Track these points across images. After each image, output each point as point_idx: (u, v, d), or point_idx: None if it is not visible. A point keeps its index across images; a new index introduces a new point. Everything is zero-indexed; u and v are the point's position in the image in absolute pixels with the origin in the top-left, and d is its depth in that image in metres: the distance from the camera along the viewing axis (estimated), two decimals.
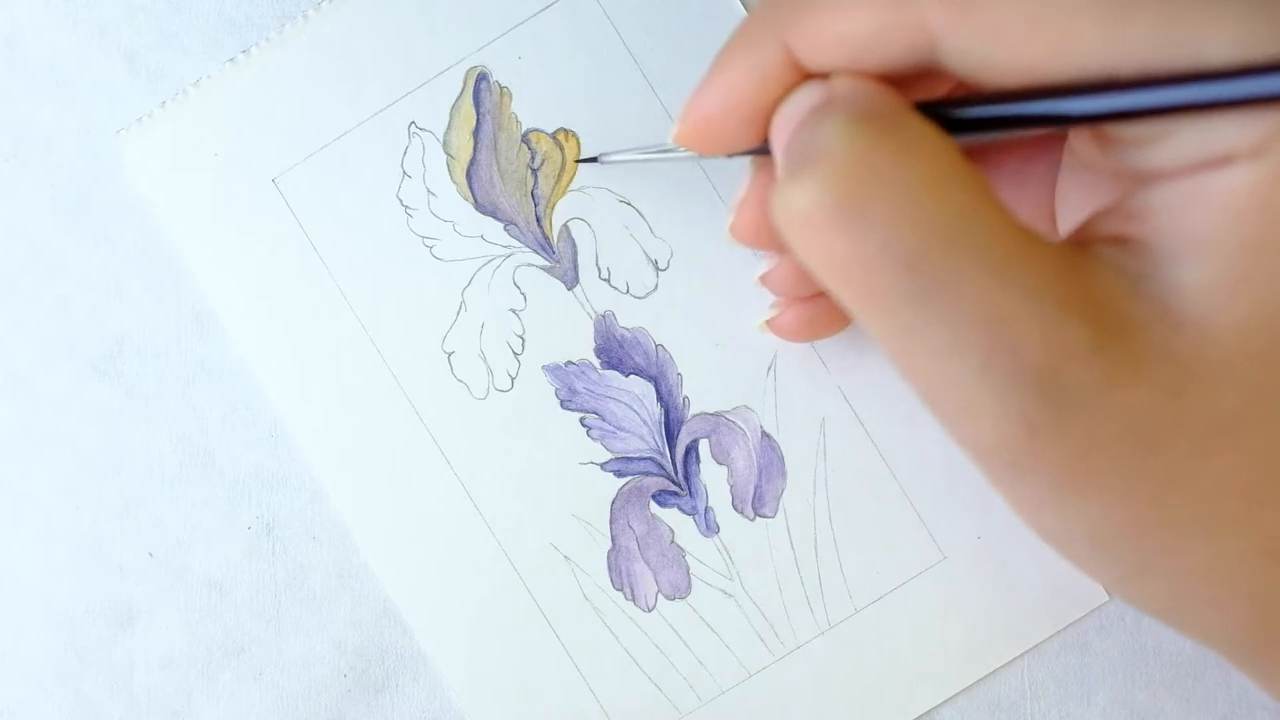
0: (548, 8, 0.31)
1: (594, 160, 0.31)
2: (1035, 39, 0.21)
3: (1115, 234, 0.22)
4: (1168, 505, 0.21)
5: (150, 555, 0.32)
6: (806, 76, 0.24)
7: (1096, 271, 0.21)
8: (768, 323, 0.30)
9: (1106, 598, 0.32)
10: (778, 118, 0.24)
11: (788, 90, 0.24)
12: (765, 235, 0.27)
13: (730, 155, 0.26)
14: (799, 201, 0.21)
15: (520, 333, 0.32)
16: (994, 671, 0.32)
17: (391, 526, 0.32)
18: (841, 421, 0.32)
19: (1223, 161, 0.20)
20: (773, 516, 0.32)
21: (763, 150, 0.26)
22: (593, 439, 0.32)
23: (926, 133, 0.21)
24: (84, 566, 0.32)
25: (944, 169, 0.21)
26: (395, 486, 0.32)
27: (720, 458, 0.32)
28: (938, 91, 0.26)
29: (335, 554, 0.32)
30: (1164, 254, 0.21)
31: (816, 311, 0.30)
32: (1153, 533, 0.22)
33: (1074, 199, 0.27)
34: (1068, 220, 0.27)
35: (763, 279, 0.29)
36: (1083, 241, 0.22)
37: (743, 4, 0.31)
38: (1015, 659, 0.32)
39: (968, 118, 0.23)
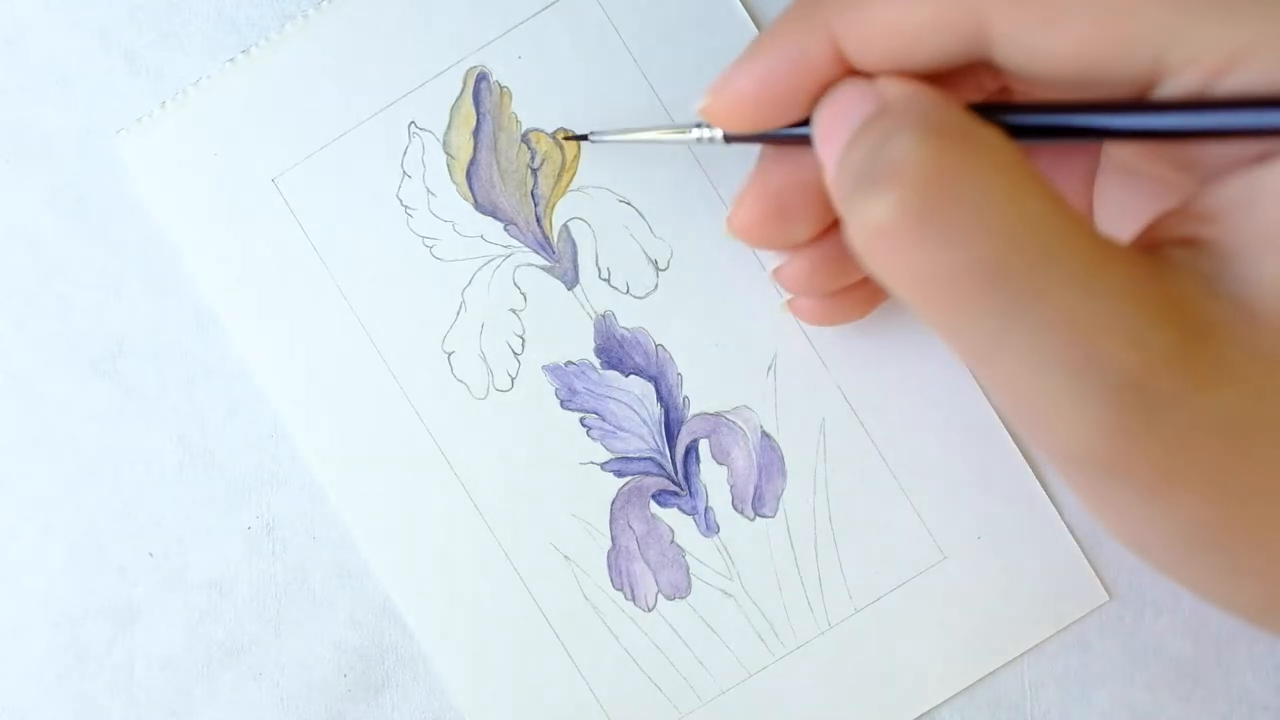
0: (548, 8, 0.31)
1: (584, 138, 0.31)
2: (1095, 30, 0.21)
3: (1185, 236, 0.22)
4: (1259, 505, 0.21)
5: (150, 555, 0.32)
6: (849, 70, 0.24)
7: (1172, 275, 0.21)
8: (788, 304, 0.30)
9: (1106, 598, 0.32)
10: (824, 116, 0.24)
11: (829, 82, 0.24)
12: (763, 233, 0.27)
13: (743, 140, 0.26)
14: (876, 216, 0.20)
15: (520, 333, 0.32)
16: (994, 671, 0.32)
17: (391, 526, 0.32)
18: (841, 421, 0.32)
19: (1276, 151, 0.21)
20: (773, 516, 0.32)
21: (782, 137, 0.25)
22: (593, 439, 0.32)
23: (997, 142, 0.21)
24: (84, 566, 0.32)
25: (1020, 179, 0.21)
26: (395, 486, 0.32)
27: (720, 458, 0.32)
28: (979, 94, 0.26)
29: (335, 554, 0.32)
30: (1237, 253, 0.21)
31: (836, 301, 0.30)
32: (1245, 533, 0.21)
33: (1115, 197, 0.27)
34: (1108, 217, 0.27)
35: (776, 274, 0.29)
36: (1152, 245, 0.22)
37: (743, 4, 0.31)
38: (1015, 659, 0.32)
39: (1021, 125, 0.23)
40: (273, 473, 0.32)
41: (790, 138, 0.25)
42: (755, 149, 0.27)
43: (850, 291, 0.29)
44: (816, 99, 0.24)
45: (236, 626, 0.32)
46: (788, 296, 0.30)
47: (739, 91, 0.24)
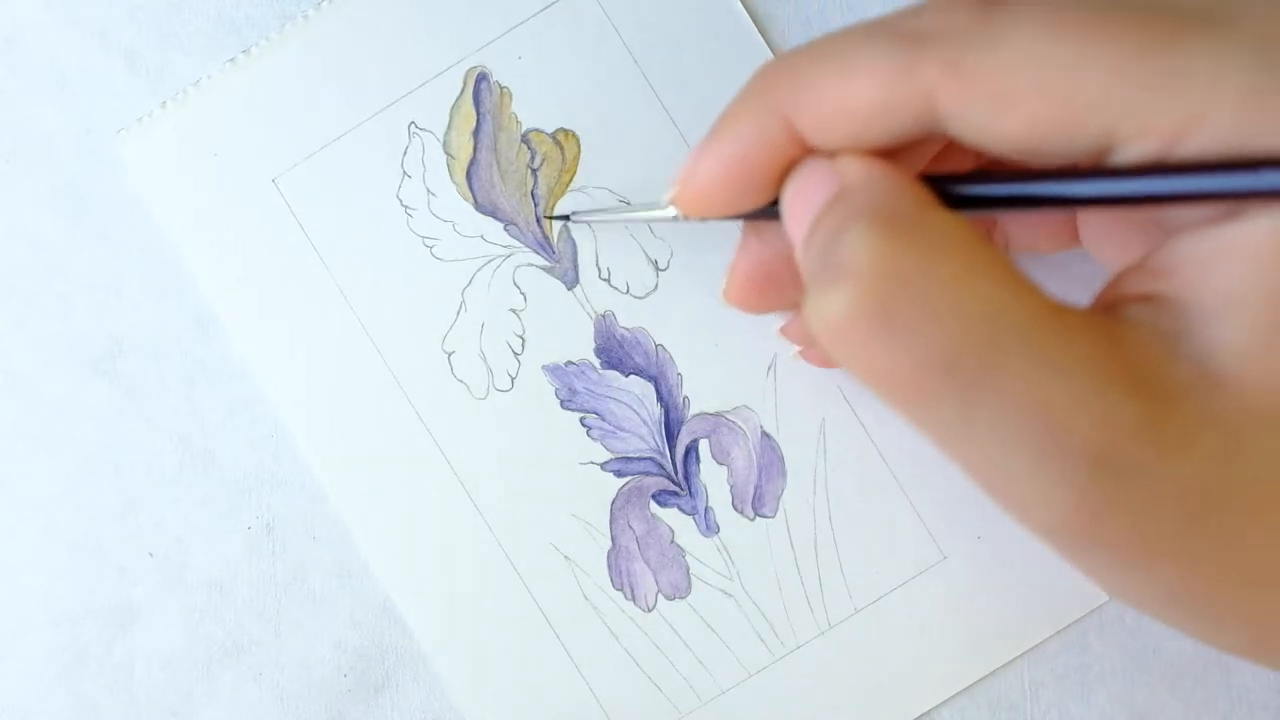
0: (548, 8, 0.31)
1: (565, 219, 0.31)
2: (1042, 107, 0.21)
3: (1144, 293, 0.22)
4: (1232, 564, 0.21)
5: (150, 555, 0.32)
6: (808, 148, 0.24)
7: (1132, 336, 0.21)
8: (800, 353, 0.31)
9: (1107, 598, 0.32)
10: (789, 199, 0.24)
11: (792, 160, 0.24)
12: (759, 298, 0.28)
13: (723, 219, 0.26)
14: (832, 314, 0.21)
15: (520, 333, 0.32)
16: (994, 671, 0.32)
17: (391, 526, 0.32)
18: (841, 421, 0.32)
19: (1238, 212, 0.20)
20: (773, 516, 0.32)
21: (757, 215, 0.26)
22: (593, 439, 0.32)
23: (948, 227, 0.21)
24: (84, 566, 0.32)
25: (970, 264, 0.21)
26: (395, 486, 0.32)
27: (720, 458, 0.32)
28: (937, 158, 0.26)
29: (335, 554, 0.32)
30: (1196, 311, 0.21)
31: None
32: (1221, 593, 0.22)
33: (1100, 221, 0.27)
34: (1094, 243, 0.27)
35: (783, 331, 0.30)
36: (1112, 304, 0.22)
37: (743, 4, 0.31)
38: (1015, 659, 0.32)
39: (981, 196, 0.23)
40: (273, 473, 0.32)
41: (761, 216, 0.26)
42: None
43: None
44: (783, 177, 0.24)
45: (236, 626, 0.32)
46: (796, 350, 0.31)
47: (705, 180, 0.25)
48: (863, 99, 0.22)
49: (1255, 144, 0.20)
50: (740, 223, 0.28)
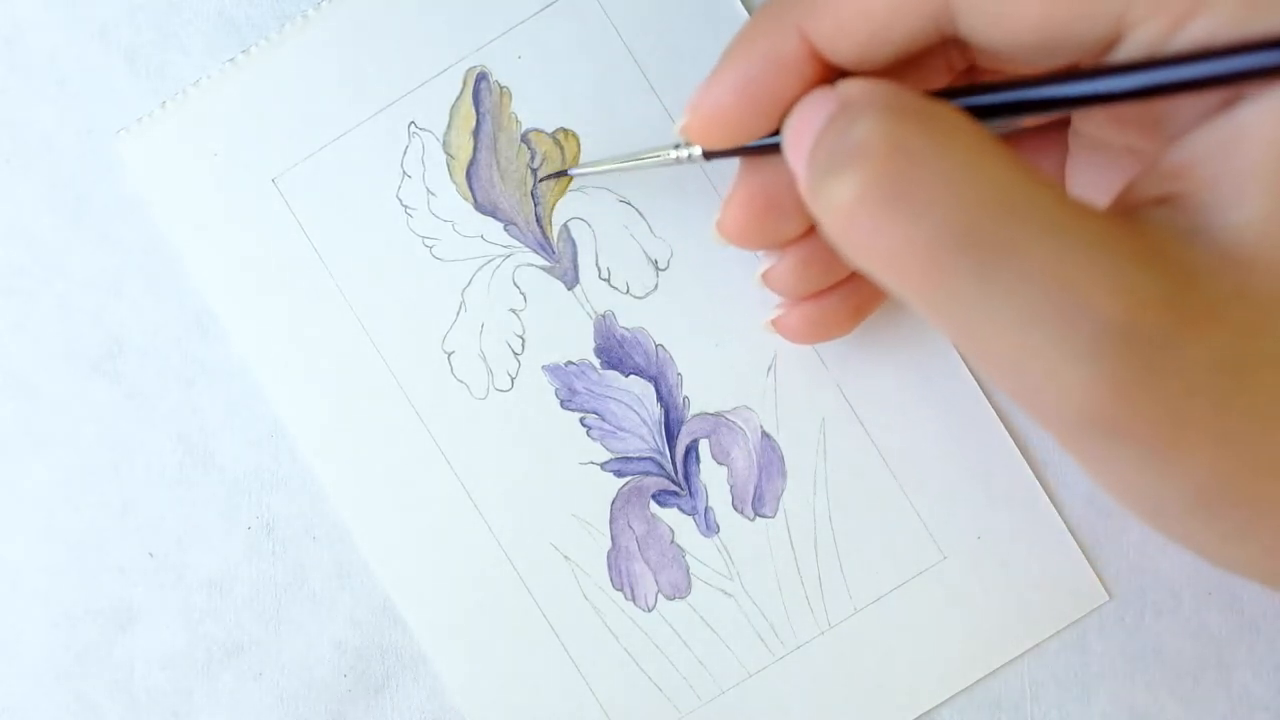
0: (548, 7, 0.31)
1: (563, 175, 0.31)
2: None
3: (1157, 195, 0.22)
4: (1265, 448, 0.21)
5: (150, 555, 0.32)
6: (824, 66, 0.24)
7: (1150, 230, 0.21)
8: (772, 322, 0.30)
9: (1107, 598, 0.32)
10: (792, 125, 0.24)
11: (806, 81, 0.24)
12: (753, 234, 0.27)
13: (721, 156, 0.26)
14: (843, 196, 0.21)
15: (520, 333, 0.32)
16: (994, 671, 0.32)
17: (391, 526, 0.32)
18: (841, 421, 0.32)
19: (1240, 98, 0.21)
20: (773, 516, 0.32)
21: (760, 148, 0.26)
22: (593, 439, 0.32)
23: (956, 117, 0.21)
24: (84, 566, 0.32)
25: (982, 146, 0.21)
26: (395, 486, 0.32)
27: (720, 458, 0.32)
28: (944, 81, 0.27)
29: (335, 554, 0.32)
30: (1211, 202, 0.21)
31: (822, 311, 0.30)
32: (1253, 482, 0.21)
33: (1088, 179, 0.27)
34: (1082, 197, 0.27)
35: (764, 276, 0.29)
36: (1124, 210, 0.22)
37: (743, 3, 0.31)
38: (1015, 659, 0.32)
39: (985, 105, 0.23)
40: (273, 473, 0.32)
41: (768, 148, 0.26)
42: None
43: (833, 303, 0.29)
44: (793, 100, 0.24)
45: (236, 626, 0.32)
46: (773, 314, 0.30)
47: (717, 105, 0.25)
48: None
49: (1252, 30, 0.20)
50: (737, 159, 0.28)
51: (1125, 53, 0.22)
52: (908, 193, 0.20)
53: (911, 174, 0.20)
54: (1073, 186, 0.28)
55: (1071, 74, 0.23)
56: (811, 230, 0.27)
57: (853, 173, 0.21)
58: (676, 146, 0.28)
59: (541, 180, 0.32)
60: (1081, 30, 0.22)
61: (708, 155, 0.27)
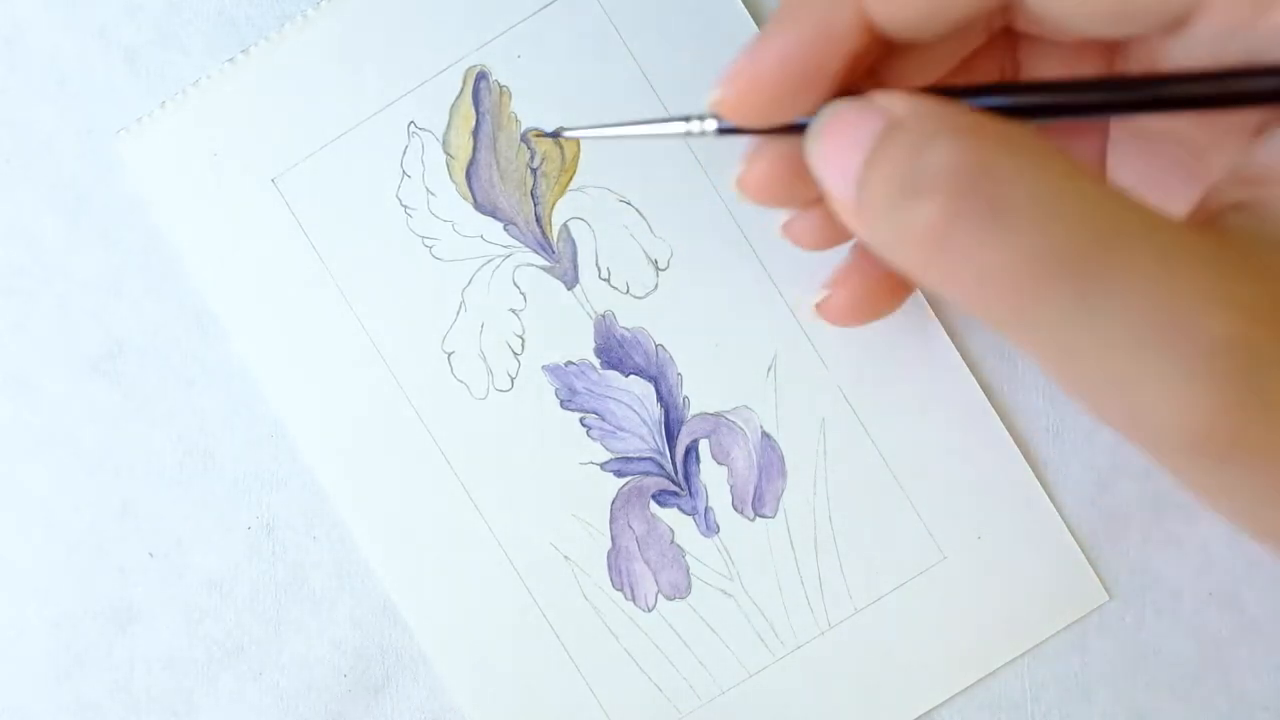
0: (547, 7, 0.31)
1: (555, 135, 0.29)
2: None
3: (1238, 201, 0.21)
4: None
5: (150, 555, 0.32)
6: (875, 40, 0.23)
7: (1235, 241, 0.20)
8: (818, 307, 0.29)
9: (1106, 598, 0.32)
10: (826, 140, 0.23)
11: (854, 56, 0.23)
12: (775, 194, 0.26)
13: (736, 133, 0.25)
14: (928, 220, 0.20)
15: (520, 333, 0.32)
16: (994, 671, 0.32)
17: (391, 526, 0.32)
18: (841, 421, 0.32)
19: None
20: (773, 516, 0.32)
21: (782, 130, 0.24)
22: (593, 439, 0.32)
23: (1035, 137, 0.20)
24: (84, 566, 0.32)
25: (1069, 166, 0.20)
26: (395, 486, 0.32)
27: (720, 458, 0.32)
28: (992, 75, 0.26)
29: (335, 554, 0.32)
30: None
31: (868, 288, 0.28)
32: None
33: (1131, 166, 0.26)
34: (1126, 188, 0.27)
35: (785, 228, 0.28)
36: (1208, 216, 0.22)
37: (743, 4, 0.31)
38: (1015, 659, 0.32)
39: (1041, 105, 0.22)
40: (273, 473, 0.32)
41: (789, 129, 0.24)
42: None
43: (879, 285, 0.29)
44: (841, 79, 0.23)
45: (236, 626, 0.32)
46: (818, 297, 0.29)
47: (758, 77, 0.23)
48: None
49: None
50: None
51: (1197, 38, 0.21)
52: (1002, 214, 0.19)
53: (1005, 195, 0.19)
54: (1113, 172, 0.27)
55: (1122, 81, 0.22)
56: None
57: (938, 196, 0.20)
58: (688, 119, 0.25)
59: (531, 135, 0.31)
60: (1150, 8, 0.21)
61: (722, 132, 0.25)
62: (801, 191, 0.26)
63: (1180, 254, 0.19)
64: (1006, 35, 0.26)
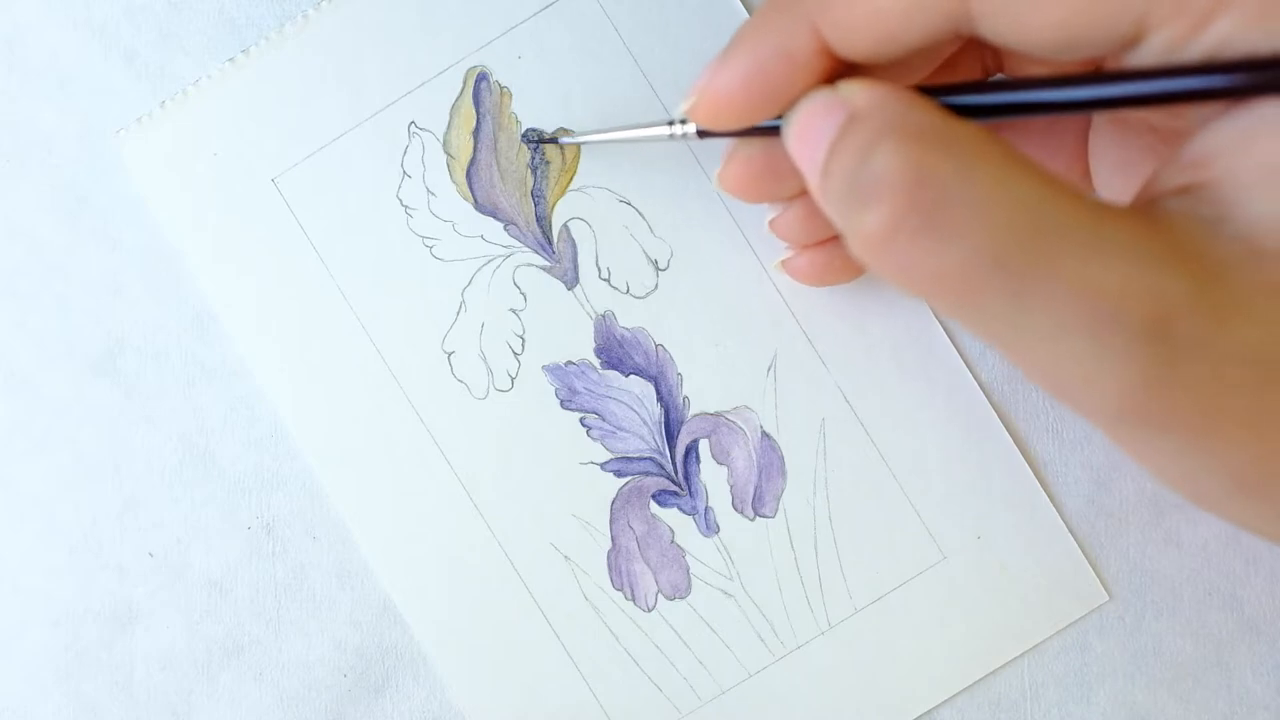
0: (547, 7, 0.31)
1: (553, 141, 0.31)
2: None
3: (1180, 185, 0.22)
4: None
5: (150, 555, 0.32)
6: (835, 60, 0.24)
7: (1174, 225, 0.21)
8: (782, 264, 0.31)
9: (1106, 598, 0.32)
10: (796, 129, 0.24)
11: (815, 74, 0.24)
12: (753, 190, 0.28)
13: (716, 135, 0.26)
14: (873, 227, 0.21)
15: (520, 333, 0.32)
16: (994, 671, 0.32)
17: (391, 526, 0.32)
18: (841, 421, 0.32)
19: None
20: (773, 516, 0.32)
21: (764, 131, 0.26)
22: (593, 439, 0.32)
23: (975, 133, 0.21)
24: (84, 566, 0.32)
25: (1005, 165, 0.21)
26: (395, 486, 0.32)
27: (720, 458, 0.32)
28: (970, 69, 0.27)
29: (335, 554, 0.32)
30: (1235, 191, 0.21)
31: (831, 257, 0.30)
32: None
33: (1110, 153, 0.27)
34: (1105, 172, 0.27)
35: (771, 224, 0.30)
36: (1150, 200, 0.23)
37: (743, 3, 0.31)
38: (1015, 659, 0.32)
39: (1000, 103, 0.23)
40: (273, 473, 0.32)
41: (765, 131, 0.26)
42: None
43: (840, 251, 0.30)
44: (801, 93, 0.24)
45: (236, 626, 0.32)
46: (781, 257, 0.31)
47: (722, 91, 0.25)
48: (895, 1, 0.23)
49: (1273, 31, 0.21)
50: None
51: (1146, 52, 0.22)
52: (938, 220, 0.21)
53: (940, 202, 0.21)
54: (1095, 160, 0.28)
55: (1090, 77, 0.23)
56: None
57: (879, 206, 0.21)
58: (670, 123, 0.27)
59: (529, 142, 0.31)
60: (1103, 31, 0.22)
61: (701, 134, 0.27)
62: (777, 187, 0.28)
63: (1106, 244, 0.20)
64: (975, 44, 0.27)
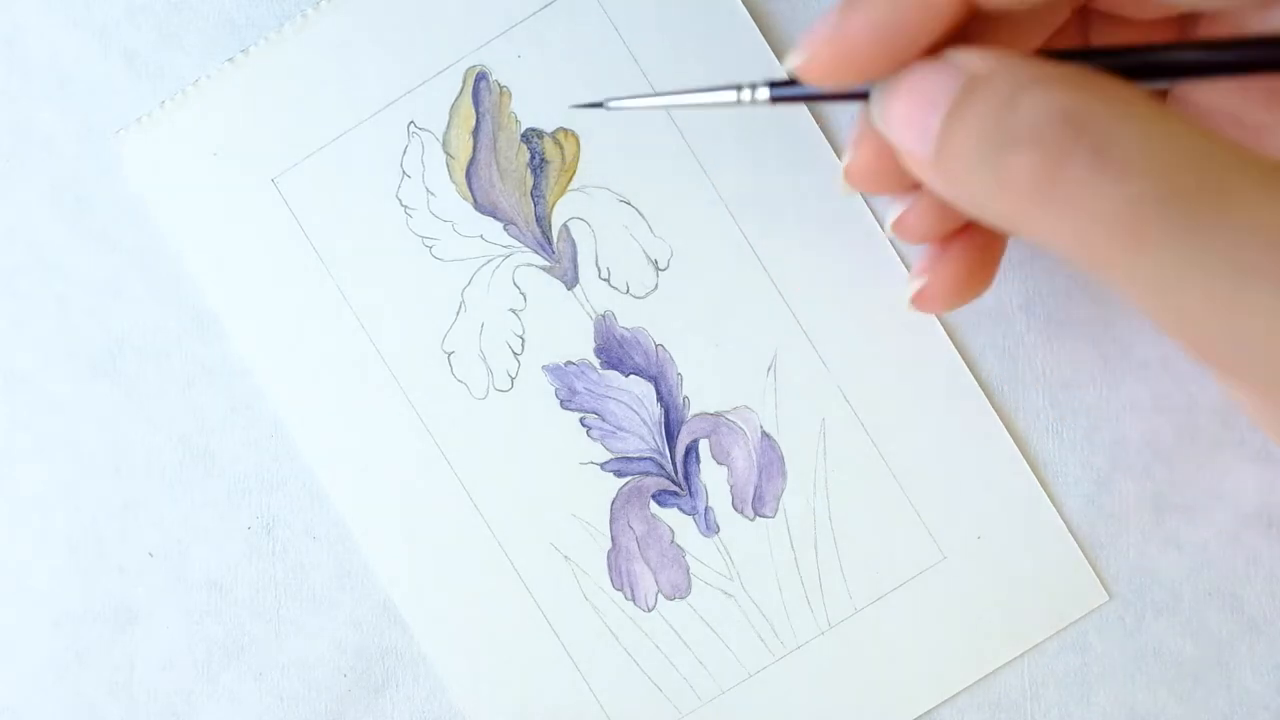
0: (547, 6, 0.31)
1: (599, 105, 0.27)
2: None
3: None
4: None
5: (150, 555, 0.32)
6: (970, 8, 0.23)
7: None
8: (914, 298, 0.29)
9: (1106, 598, 0.32)
10: (902, 102, 0.23)
11: (951, 24, 0.23)
12: (883, 178, 0.26)
13: (791, 101, 0.24)
14: (1032, 171, 0.20)
15: (520, 333, 0.32)
16: (994, 671, 0.32)
17: (391, 526, 0.32)
18: (841, 421, 0.32)
19: None
20: (773, 516, 0.32)
21: (849, 96, 0.24)
22: (593, 439, 0.32)
23: (1125, 86, 0.21)
24: (84, 566, 0.32)
25: (1160, 110, 0.20)
26: (395, 486, 0.32)
27: (720, 458, 0.32)
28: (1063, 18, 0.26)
29: (335, 554, 0.32)
30: None
31: (961, 267, 0.28)
32: None
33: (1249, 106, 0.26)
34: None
35: (895, 225, 0.28)
36: None
37: (743, 3, 0.31)
38: (1015, 659, 0.32)
39: (1124, 65, 0.23)
40: (273, 473, 0.32)
41: (849, 96, 0.24)
42: (776, 125, 0.26)
43: (968, 252, 0.28)
44: (936, 44, 0.23)
45: (236, 626, 0.32)
46: (913, 287, 0.29)
47: (848, 42, 0.23)
48: None
49: None
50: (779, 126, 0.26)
51: None
52: (1107, 159, 0.20)
53: (1108, 140, 0.20)
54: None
55: (1196, 44, 0.22)
56: None
57: (1034, 149, 0.20)
58: (738, 88, 0.25)
59: (576, 107, 0.30)
60: None
61: (775, 99, 0.24)
62: (903, 175, 0.25)
63: None
64: (1082, 17, 0.27)
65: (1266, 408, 0.22)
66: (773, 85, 0.24)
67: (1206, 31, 0.25)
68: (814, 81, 0.23)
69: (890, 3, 0.22)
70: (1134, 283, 0.20)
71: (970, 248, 0.28)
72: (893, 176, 0.26)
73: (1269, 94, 0.24)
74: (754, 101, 0.25)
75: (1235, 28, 0.24)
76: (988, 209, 0.21)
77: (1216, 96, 0.26)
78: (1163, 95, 0.27)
